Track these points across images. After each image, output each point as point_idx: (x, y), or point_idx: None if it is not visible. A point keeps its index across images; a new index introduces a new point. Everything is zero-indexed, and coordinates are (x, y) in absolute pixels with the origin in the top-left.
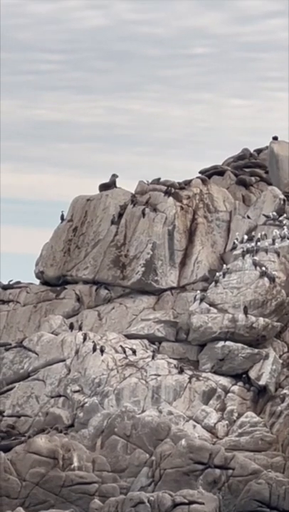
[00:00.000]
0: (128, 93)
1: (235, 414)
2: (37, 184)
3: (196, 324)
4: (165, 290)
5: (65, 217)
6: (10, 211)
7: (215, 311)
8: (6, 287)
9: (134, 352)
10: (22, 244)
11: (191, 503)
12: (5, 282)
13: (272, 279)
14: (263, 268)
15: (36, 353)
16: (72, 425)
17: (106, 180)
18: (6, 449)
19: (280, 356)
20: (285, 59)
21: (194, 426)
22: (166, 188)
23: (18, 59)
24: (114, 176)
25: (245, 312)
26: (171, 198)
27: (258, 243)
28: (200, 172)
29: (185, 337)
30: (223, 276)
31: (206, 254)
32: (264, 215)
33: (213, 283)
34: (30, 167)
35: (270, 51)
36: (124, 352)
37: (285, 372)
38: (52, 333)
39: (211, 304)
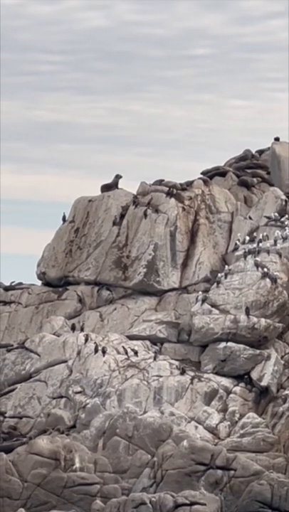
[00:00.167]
0: (129, 94)
1: (237, 415)
2: (38, 185)
3: (198, 325)
4: (167, 291)
5: (66, 218)
6: (10, 212)
7: (217, 312)
8: (7, 288)
9: (135, 353)
10: (23, 245)
11: (192, 504)
12: (7, 283)
13: (274, 280)
14: (265, 269)
15: (38, 354)
16: (74, 426)
17: (107, 181)
18: (8, 450)
19: (282, 357)
20: (286, 59)
21: (196, 427)
22: (168, 189)
23: (18, 60)
24: (118, 176)
25: (247, 313)
26: (173, 199)
27: (260, 244)
28: (202, 173)
29: (187, 338)
30: (225, 277)
31: (208, 255)
32: (266, 216)
33: (215, 284)
34: (31, 168)
35: (270, 52)
36: (126, 353)
37: (286, 373)
38: (54, 334)
39: (213, 305)
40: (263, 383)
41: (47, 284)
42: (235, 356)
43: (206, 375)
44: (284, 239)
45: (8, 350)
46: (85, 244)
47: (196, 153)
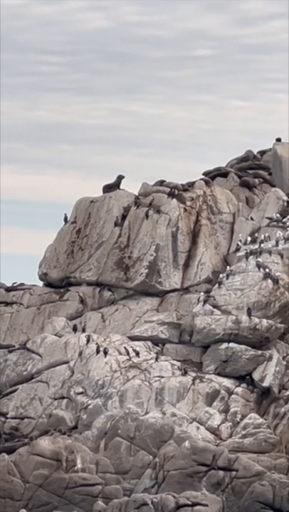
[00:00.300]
0: (130, 95)
1: (239, 416)
2: (38, 186)
3: (200, 326)
4: (168, 292)
5: (68, 218)
6: (10, 212)
7: (218, 312)
8: (9, 289)
9: (137, 354)
10: (24, 246)
11: (194, 504)
12: (8, 284)
13: (275, 281)
14: (267, 270)
15: (40, 355)
16: (75, 427)
17: (107, 181)
18: (10, 451)
19: (284, 358)
20: (287, 60)
21: (198, 427)
22: (169, 189)
23: (19, 60)
24: (120, 177)
25: (249, 314)
26: (174, 200)
27: (262, 245)
28: (203, 174)
29: (188, 339)
30: (227, 278)
31: (210, 256)
32: (267, 217)
33: (217, 285)
34: (31, 168)
35: (271, 53)
36: (128, 354)
37: (288, 374)
38: (55, 335)
39: (215, 306)
40: (265, 384)
41: (49, 284)
42: (237, 357)
43: (207, 376)
44: (286, 240)
45: (10, 351)
46: (87, 245)
47: (197, 154)
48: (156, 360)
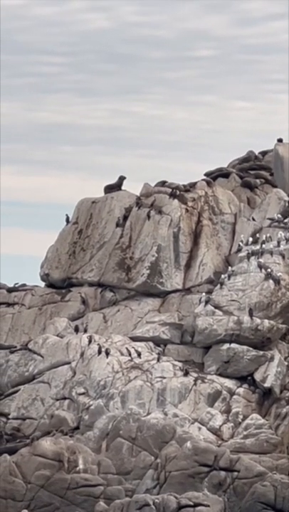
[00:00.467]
0: (131, 95)
1: (241, 417)
2: (39, 187)
3: (201, 326)
4: (170, 292)
5: (70, 219)
6: (11, 213)
7: (220, 313)
8: (11, 290)
9: (139, 354)
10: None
11: (196, 505)
12: (10, 285)
13: (277, 281)
14: (268, 270)
15: (41, 356)
16: (77, 428)
17: (109, 182)
18: (11, 452)
19: (286, 358)
20: (287, 61)
21: (199, 428)
22: (171, 190)
23: (20, 61)
24: (122, 178)
25: (251, 314)
26: (176, 201)
27: (263, 245)
28: (205, 174)
29: (190, 339)
30: (228, 279)
31: (211, 257)
32: (269, 218)
33: (219, 285)
34: (32, 170)
35: (272, 53)
36: (130, 354)
37: None
38: (57, 335)
39: (216, 306)
40: (267, 384)
41: (50, 285)
42: (238, 357)
43: (209, 377)
44: (287, 240)
45: (12, 352)
46: (89, 245)
47: (198, 155)
48: (158, 360)
